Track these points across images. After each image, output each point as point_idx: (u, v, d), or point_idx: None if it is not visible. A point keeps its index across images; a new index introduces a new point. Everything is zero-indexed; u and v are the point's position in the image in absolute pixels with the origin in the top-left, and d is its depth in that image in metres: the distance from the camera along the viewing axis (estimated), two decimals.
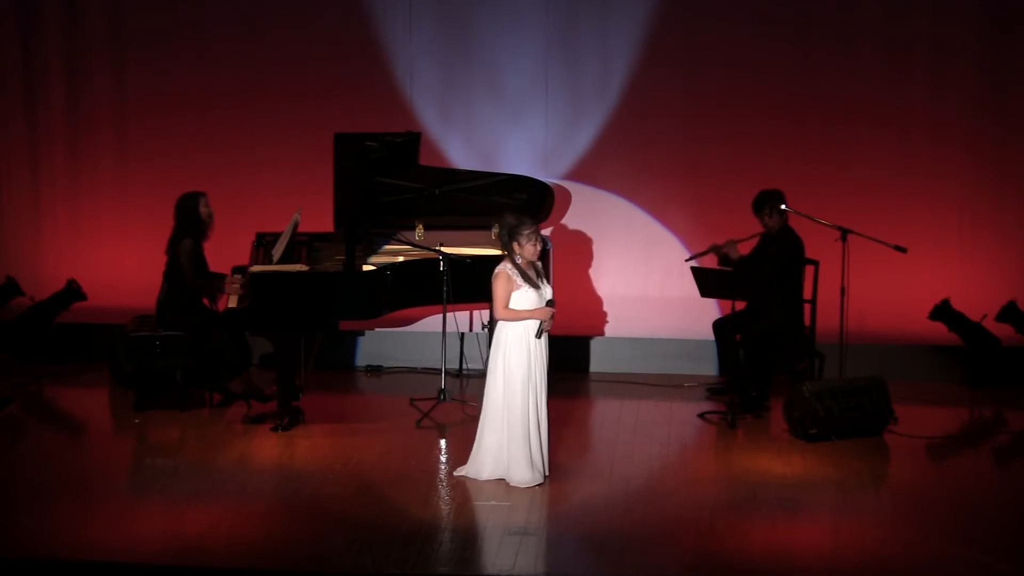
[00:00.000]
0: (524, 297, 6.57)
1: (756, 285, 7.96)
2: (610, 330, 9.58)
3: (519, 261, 6.60)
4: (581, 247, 9.63)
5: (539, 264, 6.72)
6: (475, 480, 6.65)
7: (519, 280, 6.57)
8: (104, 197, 9.99)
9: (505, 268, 6.59)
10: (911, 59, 9.30)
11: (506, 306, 6.56)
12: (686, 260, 8.64)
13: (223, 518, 6.11)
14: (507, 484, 6.55)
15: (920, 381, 9.07)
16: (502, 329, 6.62)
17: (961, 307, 9.06)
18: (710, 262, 8.51)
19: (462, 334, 9.36)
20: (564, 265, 9.46)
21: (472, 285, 8.26)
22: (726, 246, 8.39)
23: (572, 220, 9.55)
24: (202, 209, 8.14)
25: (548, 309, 6.57)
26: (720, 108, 9.43)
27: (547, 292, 6.64)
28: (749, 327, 8.31)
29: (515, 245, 6.59)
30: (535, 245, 6.58)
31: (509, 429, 6.56)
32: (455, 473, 6.73)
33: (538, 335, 6.56)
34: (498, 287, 6.57)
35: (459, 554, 5.68)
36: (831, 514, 6.39)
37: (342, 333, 8.17)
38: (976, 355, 9.07)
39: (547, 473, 6.64)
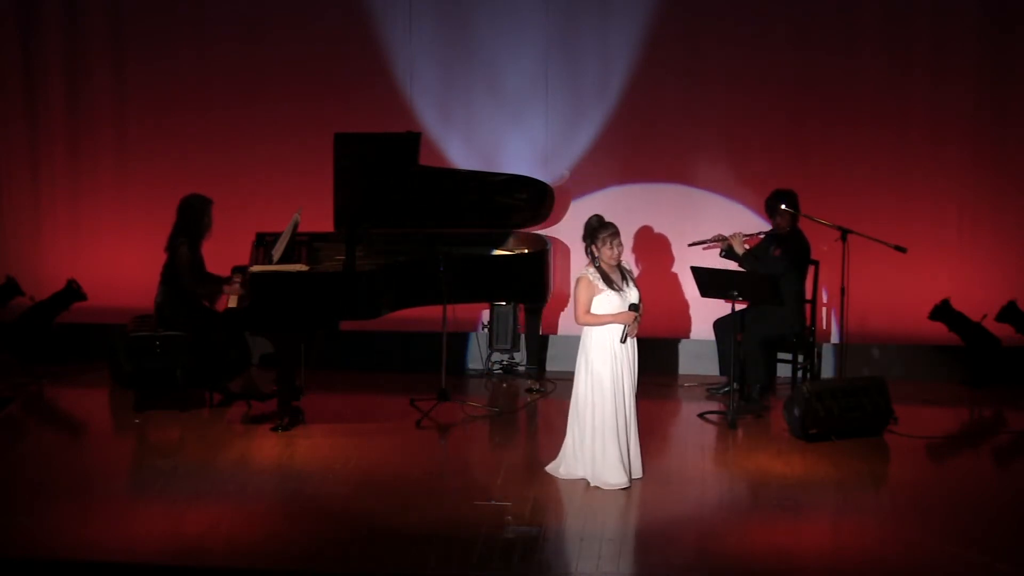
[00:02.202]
0: (606, 301, 6.52)
1: (759, 286, 7.95)
2: None
3: (600, 264, 6.57)
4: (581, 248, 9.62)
5: (627, 267, 6.68)
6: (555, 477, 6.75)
7: (600, 284, 6.53)
8: (104, 197, 9.98)
9: (586, 273, 6.57)
10: (911, 59, 9.29)
11: (587, 311, 6.53)
12: (689, 245, 8.66)
13: (223, 518, 6.12)
14: (589, 484, 6.61)
15: (920, 381, 9.07)
16: (586, 334, 6.59)
17: (961, 307, 9.05)
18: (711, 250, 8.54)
19: (466, 334, 9.37)
20: (563, 265, 9.48)
21: (472, 285, 8.28)
22: (732, 238, 8.40)
23: (570, 221, 9.54)
24: (204, 218, 8.15)
25: (630, 313, 6.51)
26: (720, 108, 9.43)
27: (631, 296, 6.55)
28: (750, 327, 8.32)
29: (594, 248, 6.57)
30: (612, 249, 6.53)
31: (600, 433, 6.56)
32: (547, 469, 6.80)
33: (622, 339, 6.51)
34: (578, 292, 6.55)
35: (459, 554, 5.68)
36: (831, 514, 6.40)
37: (342, 333, 8.16)
38: (976, 355, 9.07)
39: (640, 475, 6.69)
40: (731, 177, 9.43)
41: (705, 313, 9.01)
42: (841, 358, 8.37)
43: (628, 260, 9.30)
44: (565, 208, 9.46)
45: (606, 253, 6.54)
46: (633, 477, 6.64)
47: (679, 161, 9.51)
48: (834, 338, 9.06)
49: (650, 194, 9.55)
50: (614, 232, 6.56)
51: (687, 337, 9.45)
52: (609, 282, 6.54)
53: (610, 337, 6.53)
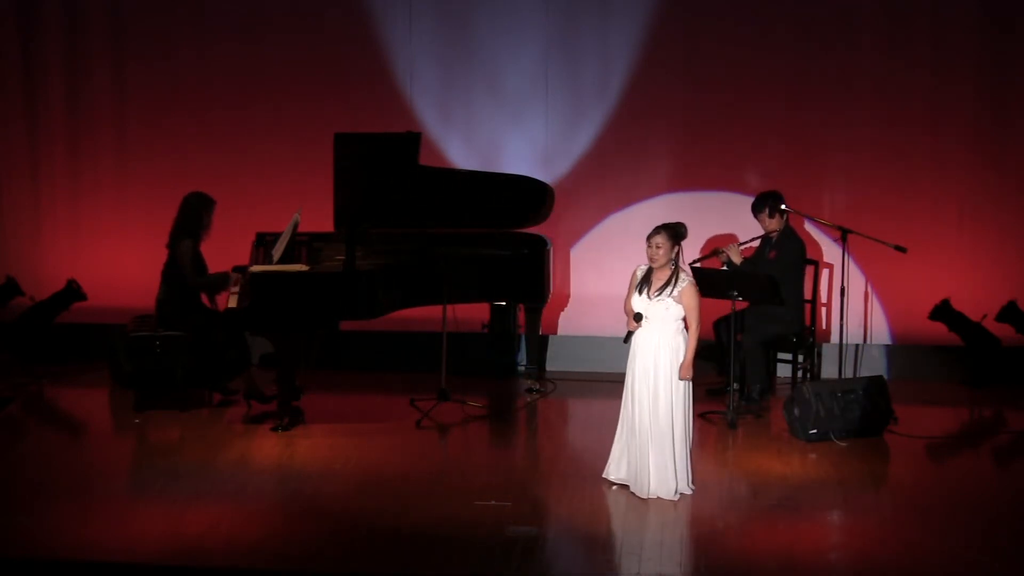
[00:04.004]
0: (634, 300, 6.50)
1: (758, 290, 7.96)
2: (610, 330, 9.56)
3: (651, 264, 6.51)
4: (581, 248, 9.63)
5: (684, 277, 6.41)
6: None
7: (637, 283, 6.50)
8: (104, 197, 9.99)
9: (638, 266, 6.55)
10: (911, 59, 9.29)
11: (627, 300, 6.54)
12: (690, 264, 8.67)
13: (223, 518, 6.11)
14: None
15: (920, 381, 9.07)
16: None
17: (961, 307, 9.06)
18: (712, 265, 8.52)
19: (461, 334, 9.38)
20: (563, 265, 9.48)
21: (472, 285, 8.28)
22: (728, 250, 8.40)
23: (570, 220, 9.55)
24: (204, 218, 8.14)
25: (632, 321, 6.45)
26: (720, 108, 9.44)
27: (650, 306, 6.40)
28: (750, 327, 8.32)
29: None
30: (648, 249, 6.44)
31: None
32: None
33: (624, 340, 6.51)
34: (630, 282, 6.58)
35: (459, 554, 5.68)
36: (831, 514, 6.39)
37: (342, 333, 8.17)
38: (976, 355, 9.07)
39: (655, 495, 6.39)
40: (732, 177, 9.42)
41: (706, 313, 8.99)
42: (841, 358, 8.37)
43: (620, 260, 9.27)
44: (565, 208, 9.45)
45: (647, 252, 6.50)
46: (643, 494, 6.41)
47: (679, 161, 9.51)
48: (835, 338, 9.05)
49: (650, 194, 9.55)
50: (652, 233, 6.47)
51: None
52: (643, 284, 6.48)
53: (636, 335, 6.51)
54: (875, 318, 9.37)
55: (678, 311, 6.42)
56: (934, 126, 9.31)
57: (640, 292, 6.47)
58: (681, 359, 6.41)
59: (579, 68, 9.56)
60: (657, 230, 6.47)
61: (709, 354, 8.96)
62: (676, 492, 6.42)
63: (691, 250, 8.99)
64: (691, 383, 6.47)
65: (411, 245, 8.57)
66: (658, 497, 6.39)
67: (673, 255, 6.45)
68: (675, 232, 6.47)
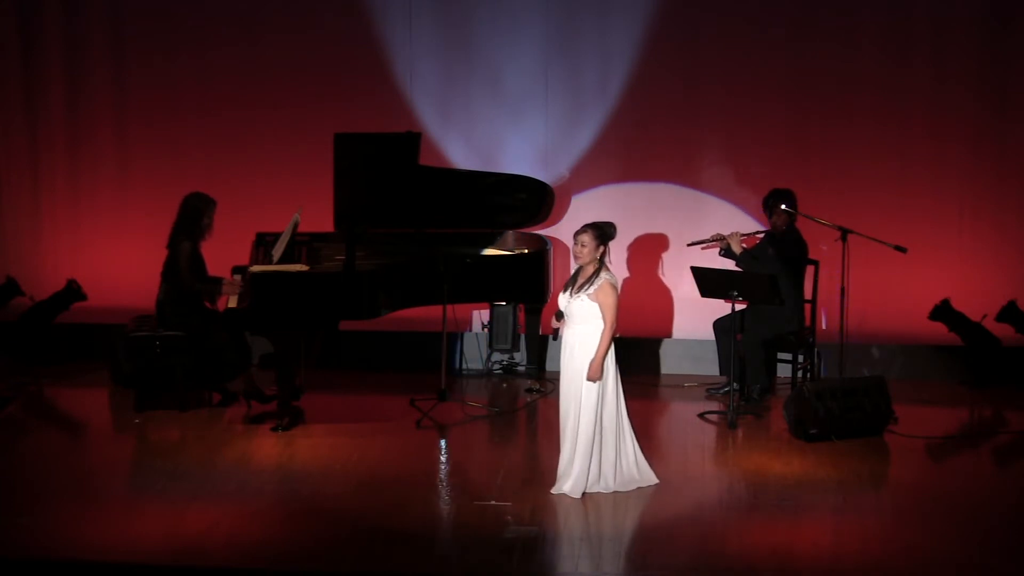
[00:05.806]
0: (559, 298, 6.53)
1: (759, 286, 7.96)
2: None
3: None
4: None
5: (605, 278, 6.35)
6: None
7: (568, 281, 6.54)
8: (104, 197, 9.98)
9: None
10: (911, 58, 9.29)
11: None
12: (688, 245, 8.70)
13: (223, 518, 6.11)
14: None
15: (920, 381, 9.07)
16: None
17: (961, 307, 9.06)
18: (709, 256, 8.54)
19: (462, 334, 9.38)
20: (563, 265, 9.49)
21: (472, 286, 8.28)
22: (729, 237, 8.42)
23: (570, 221, 9.54)
24: (205, 218, 8.13)
25: (555, 319, 6.51)
26: (720, 108, 9.44)
27: (571, 304, 6.41)
28: (750, 327, 8.32)
29: None
30: (574, 246, 6.44)
31: None
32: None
33: (552, 336, 6.59)
34: None
35: (458, 554, 5.68)
36: (831, 514, 6.39)
37: (342, 333, 8.17)
38: (976, 355, 9.07)
39: (564, 491, 6.42)
40: (731, 177, 9.44)
41: (706, 313, 8.98)
42: (841, 358, 8.37)
43: (618, 260, 9.28)
44: (565, 208, 9.46)
45: (571, 251, 6.52)
46: (559, 490, 6.44)
47: (679, 160, 9.52)
48: (835, 338, 9.06)
49: (650, 194, 9.56)
50: (578, 231, 6.45)
51: (685, 337, 9.46)
52: (569, 282, 6.51)
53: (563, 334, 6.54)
54: (875, 318, 9.37)
55: (594, 309, 6.38)
56: (934, 125, 9.31)
57: (565, 290, 6.51)
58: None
59: (579, 68, 9.56)
60: (584, 228, 6.44)
61: (709, 354, 8.96)
62: (607, 488, 6.46)
63: (686, 250, 9.01)
64: (618, 380, 6.45)
65: (411, 245, 8.57)
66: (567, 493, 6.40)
67: (598, 255, 6.43)
68: (602, 232, 6.44)
